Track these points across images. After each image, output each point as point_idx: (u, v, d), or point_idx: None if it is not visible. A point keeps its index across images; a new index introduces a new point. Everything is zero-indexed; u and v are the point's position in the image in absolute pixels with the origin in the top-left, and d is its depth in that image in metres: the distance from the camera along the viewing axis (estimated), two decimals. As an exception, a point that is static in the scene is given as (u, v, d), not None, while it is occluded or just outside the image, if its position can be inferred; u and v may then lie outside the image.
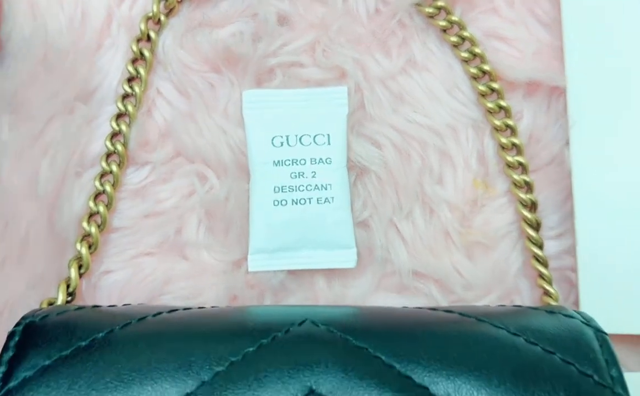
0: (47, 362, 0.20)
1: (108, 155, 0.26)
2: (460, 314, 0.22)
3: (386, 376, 0.19)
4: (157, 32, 0.28)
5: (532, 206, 0.27)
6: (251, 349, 0.20)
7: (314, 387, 0.19)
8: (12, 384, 0.19)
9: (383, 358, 0.19)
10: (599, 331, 0.21)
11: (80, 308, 0.22)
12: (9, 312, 0.26)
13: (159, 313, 0.22)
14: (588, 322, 0.21)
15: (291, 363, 0.19)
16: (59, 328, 0.21)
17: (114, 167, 0.26)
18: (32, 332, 0.21)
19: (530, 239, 0.27)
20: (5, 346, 0.20)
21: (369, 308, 0.23)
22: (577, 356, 0.20)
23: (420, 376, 0.19)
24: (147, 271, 0.26)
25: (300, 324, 0.21)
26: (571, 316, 0.22)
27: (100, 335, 0.20)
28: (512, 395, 0.19)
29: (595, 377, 0.19)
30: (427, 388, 0.19)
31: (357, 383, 0.19)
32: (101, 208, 0.26)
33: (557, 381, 0.19)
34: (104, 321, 0.21)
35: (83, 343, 0.20)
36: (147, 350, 0.20)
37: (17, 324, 0.21)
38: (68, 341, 0.20)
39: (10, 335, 0.20)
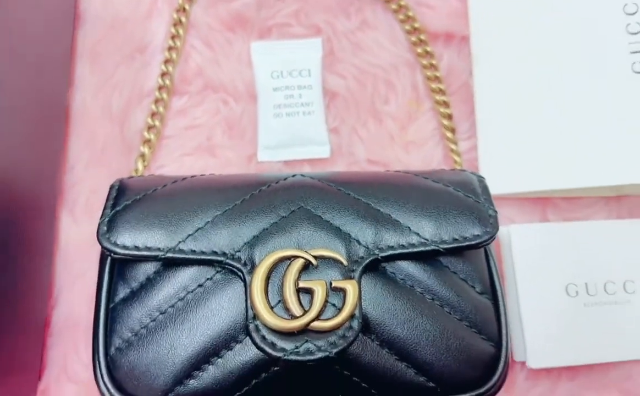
0: (128, 202, 0.31)
1: (160, 88, 0.38)
2: (406, 172, 0.34)
3: (356, 205, 0.31)
4: (190, 4, 0.40)
5: (449, 118, 0.39)
6: (256, 192, 0.31)
7: (302, 205, 0.31)
8: (116, 209, 0.31)
9: (353, 194, 0.31)
10: (480, 178, 0.33)
11: (141, 177, 0.34)
12: (98, 194, 0.37)
13: (192, 177, 0.33)
14: (474, 174, 0.34)
15: (283, 196, 0.31)
16: (134, 185, 0.32)
17: (164, 96, 0.38)
18: (122, 186, 0.32)
19: (448, 139, 0.39)
20: (110, 193, 0.32)
21: (346, 172, 0.34)
22: (464, 188, 0.32)
23: (379, 204, 0.31)
24: (188, 165, 0.38)
25: (293, 176, 0.33)
26: (464, 172, 0.34)
27: (156, 189, 0.32)
28: (426, 209, 0.31)
29: (474, 198, 0.32)
30: (377, 209, 0.31)
31: (335, 206, 0.30)
32: (157, 123, 0.38)
33: (450, 199, 0.31)
34: (157, 182, 0.33)
35: (146, 193, 0.32)
36: (186, 193, 0.31)
37: (114, 183, 0.32)
38: (139, 192, 0.32)
39: (112, 187, 0.32)
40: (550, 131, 0.37)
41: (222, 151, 0.38)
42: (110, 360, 0.29)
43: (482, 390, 0.30)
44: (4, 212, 0.28)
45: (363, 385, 0.29)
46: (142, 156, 0.37)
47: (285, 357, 0.27)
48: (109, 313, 0.30)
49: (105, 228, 0.30)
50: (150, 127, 0.37)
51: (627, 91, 0.36)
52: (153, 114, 0.38)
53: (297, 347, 0.27)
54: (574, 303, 0.35)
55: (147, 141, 0.37)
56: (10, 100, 0.28)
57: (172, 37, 0.39)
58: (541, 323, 0.35)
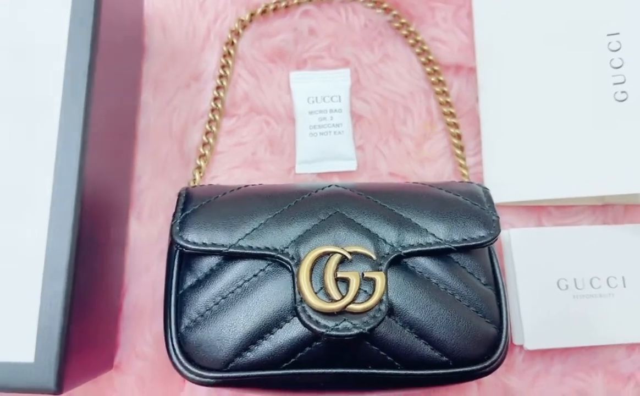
0: (196, 206, 0.38)
1: (212, 110, 0.45)
2: (423, 184, 0.40)
3: (382, 210, 0.37)
4: (238, 39, 0.47)
5: (458, 137, 0.46)
6: (300, 199, 0.38)
7: (338, 210, 0.37)
8: (186, 212, 0.37)
9: (379, 202, 0.37)
10: (484, 189, 0.40)
11: (203, 186, 0.41)
12: (160, 200, 0.44)
13: (246, 186, 0.40)
14: (480, 186, 0.40)
15: (322, 203, 0.37)
16: (198, 192, 0.39)
17: (216, 117, 0.45)
18: (188, 193, 0.39)
19: (457, 155, 0.45)
20: (179, 199, 0.38)
21: (373, 183, 0.41)
22: (472, 198, 0.38)
23: (401, 210, 0.37)
24: (236, 177, 0.44)
25: (329, 186, 0.39)
26: (472, 184, 0.40)
27: (217, 196, 0.38)
28: (440, 214, 0.37)
29: (480, 206, 0.38)
30: (400, 214, 0.37)
31: (365, 212, 0.37)
32: (210, 140, 0.44)
33: (459, 207, 0.37)
34: (217, 190, 0.39)
35: (210, 199, 0.38)
36: (243, 200, 0.38)
37: (182, 190, 0.39)
38: (203, 199, 0.38)
39: (180, 194, 0.38)
40: (545, 148, 0.43)
41: (265, 165, 0.44)
42: (181, 336, 0.36)
43: (486, 364, 0.36)
44: (94, 217, 0.34)
45: (388, 358, 0.35)
46: (199, 168, 0.44)
47: (328, 332, 0.33)
48: (179, 298, 0.37)
49: (177, 228, 0.36)
50: (204, 144, 0.44)
51: (610, 117, 0.42)
52: (207, 133, 0.44)
53: (337, 324, 0.34)
54: (565, 296, 0.41)
55: (202, 156, 0.44)
56: (98, 126, 0.34)
57: (222, 67, 0.45)
58: (536, 311, 0.41)
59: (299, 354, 0.35)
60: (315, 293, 0.34)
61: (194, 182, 0.43)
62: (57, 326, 0.31)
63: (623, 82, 0.41)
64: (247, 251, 0.36)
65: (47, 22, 0.34)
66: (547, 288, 0.41)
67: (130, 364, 0.41)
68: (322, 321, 0.34)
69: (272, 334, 0.35)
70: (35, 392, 0.30)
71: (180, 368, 0.35)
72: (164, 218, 0.43)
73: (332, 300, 0.34)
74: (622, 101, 0.41)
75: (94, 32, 0.33)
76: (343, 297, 0.34)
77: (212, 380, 0.35)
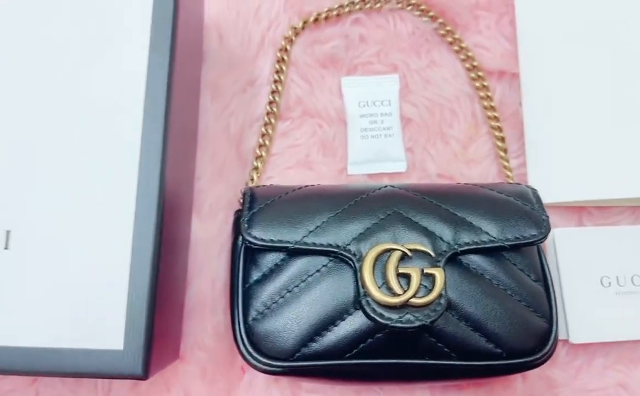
0: (261, 205, 0.40)
1: (267, 114, 0.47)
2: (474, 185, 0.42)
3: (438, 210, 0.39)
4: (291, 46, 0.49)
5: (502, 140, 0.48)
6: (359, 199, 0.40)
7: (396, 210, 0.39)
8: (253, 211, 0.39)
9: (435, 202, 0.39)
10: (533, 190, 0.41)
11: (265, 186, 0.43)
12: (219, 200, 0.46)
13: (306, 186, 0.42)
14: (529, 187, 0.42)
15: (380, 202, 0.40)
16: (262, 192, 0.41)
17: (272, 120, 0.47)
18: (253, 193, 0.41)
19: (501, 157, 0.47)
20: (244, 198, 0.40)
21: (426, 184, 0.43)
22: (522, 198, 0.40)
23: (456, 210, 0.39)
24: (290, 177, 0.46)
25: (385, 187, 0.41)
26: (520, 185, 0.42)
27: (280, 196, 0.41)
28: (493, 214, 0.39)
29: (530, 206, 0.40)
30: (455, 213, 0.39)
31: (422, 211, 0.38)
32: (266, 142, 0.46)
33: (511, 207, 0.39)
34: (279, 190, 0.41)
35: (274, 199, 0.40)
36: (306, 199, 0.40)
37: (245, 191, 0.41)
38: (267, 198, 0.41)
39: (245, 193, 0.41)
40: (587, 151, 0.45)
41: (318, 166, 0.47)
42: (248, 327, 0.38)
43: (537, 356, 0.38)
44: (170, 216, 0.36)
45: (445, 349, 0.37)
46: (256, 169, 0.46)
47: (392, 324, 0.35)
48: (245, 292, 0.39)
49: (246, 225, 0.38)
50: (260, 146, 0.46)
51: (650, 120, 0.44)
52: (263, 135, 0.47)
53: (400, 317, 0.36)
54: (607, 292, 0.43)
55: (258, 157, 0.46)
56: (173, 129, 0.37)
57: (277, 73, 0.48)
58: (580, 307, 0.43)
59: (361, 345, 0.37)
60: (379, 287, 0.36)
61: (252, 182, 0.45)
62: (143, 317, 0.33)
63: (664, 88, 0.43)
64: (311, 248, 0.38)
65: (129, 31, 0.36)
66: (590, 285, 0.43)
67: (192, 354, 0.43)
68: (386, 314, 0.36)
69: (336, 326, 0.37)
70: (124, 377, 0.32)
71: (249, 357, 0.38)
72: (223, 216, 0.45)
73: (395, 294, 0.36)
74: (664, 106, 0.43)
75: (172, 40, 0.36)
76: (405, 291, 0.36)
77: (279, 369, 0.37)
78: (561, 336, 0.43)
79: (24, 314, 0.32)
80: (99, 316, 0.33)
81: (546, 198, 0.45)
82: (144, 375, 0.33)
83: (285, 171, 0.46)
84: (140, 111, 0.35)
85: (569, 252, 0.44)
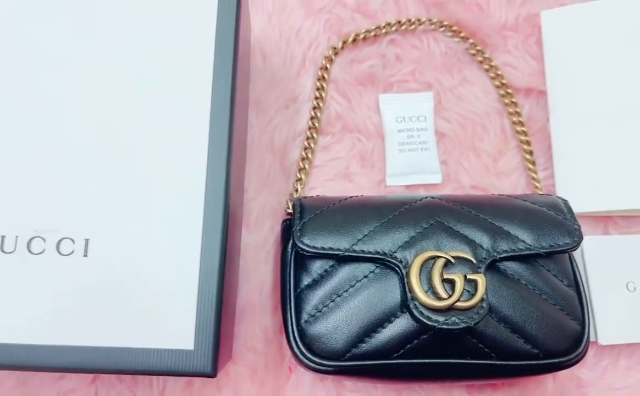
0: (311, 215, 0.43)
1: (309, 128, 0.50)
2: (509, 196, 0.45)
3: (477, 220, 0.42)
4: (330, 65, 0.52)
5: (530, 153, 0.50)
6: (402, 209, 0.43)
7: (438, 219, 0.42)
8: (304, 220, 0.42)
9: (473, 212, 0.42)
10: (564, 201, 0.44)
11: (313, 197, 0.45)
12: (265, 209, 0.49)
13: (351, 197, 0.45)
14: (560, 198, 0.45)
15: (423, 212, 0.42)
16: (311, 203, 0.44)
17: (314, 135, 0.50)
18: (302, 204, 0.43)
19: (530, 170, 0.50)
20: (294, 209, 0.43)
21: (464, 195, 0.46)
22: (555, 208, 0.43)
23: (493, 220, 0.42)
24: (331, 188, 0.49)
25: (424, 198, 0.44)
26: (552, 196, 0.45)
27: (328, 206, 0.43)
28: (529, 223, 0.42)
29: (562, 216, 0.43)
30: (493, 223, 0.42)
31: (462, 220, 0.41)
32: (309, 155, 0.49)
33: (544, 217, 0.42)
34: (326, 201, 0.44)
35: (322, 209, 0.43)
36: (352, 209, 0.43)
37: (294, 202, 0.44)
38: (316, 208, 0.43)
39: (295, 204, 0.43)
40: (612, 163, 0.48)
41: (357, 178, 0.49)
42: (301, 329, 0.41)
43: (571, 356, 0.40)
44: (230, 224, 0.39)
45: (486, 350, 0.40)
46: (299, 180, 0.48)
47: (439, 326, 0.38)
48: (297, 296, 0.42)
49: (298, 234, 0.41)
50: (303, 159, 0.49)
51: (671, 135, 0.47)
52: (305, 149, 0.49)
53: (446, 319, 0.38)
54: (633, 297, 0.46)
55: (301, 169, 0.49)
56: (234, 143, 0.39)
57: (317, 90, 0.50)
58: (607, 310, 0.45)
59: (408, 346, 0.39)
60: (425, 292, 0.39)
61: (296, 193, 0.48)
62: (211, 320, 0.35)
63: (685, 106, 0.46)
64: (360, 255, 0.41)
65: (194, 51, 0.39)
66: (616, 289, 0.46)
67: (242, 356, 0.46)
68: (433, 317, 0.38)
69: (384, 328, 0.40)
70: (195, 375, 0.35)
71: (302, 357, 0.40)
72: (269, 225, 0.48)
73: (441, 298, 0.39)
74: (684, 122, 0.46)
75: (234, 60, 0.39)
76: (450, 296, 0.39)
77: (330, 368, 0.40)
78: (590, 338, 0.46)
79: (105, 317, 0.35)
80: (172, 320, 0.35)
81: (574, 208, 0.48)
82: (213, 373, 0.35)
83: (326, 183, 0.49)
84: (206, 128, 0.38)
85: (596, 259, 0.46)
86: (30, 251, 0.35)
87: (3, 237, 0.35)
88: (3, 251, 0.35)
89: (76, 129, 0.37)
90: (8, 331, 0.35)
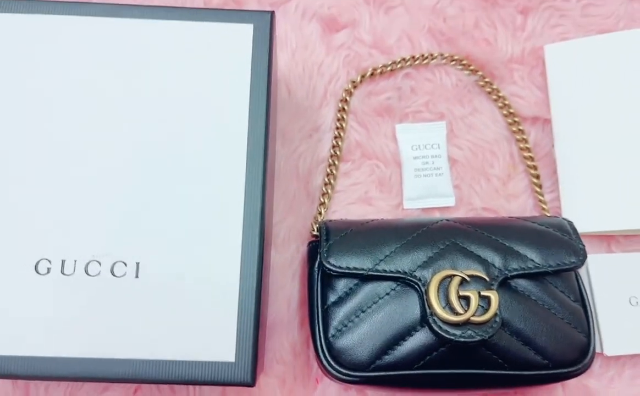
0: (336, 238, 0.46)
1: (331, 156, 0.54)
2: (518, 218, 0.49)
3: (489, 240, 0.45)
4: (350, 97, 0.56)
5: (537, 177, 0.54)
6: (420, 231, 0.47)
7: (453, 240, 0.45)
8: (329, 242, 0.46)
9: (486, 233, 0.46)
10: (569, 222, 0.48)
11: (337, 220, 0.49)
12: (291, 231, 0.52)
13: (372, 220, 0.49)
14: (565, 220, 0.48)
15: (440, 234, 0.46)
16: (335, 226, 0.47)
17: (335, 162, 0.54)
18: (327, 227, 0.47)
19: (537, 192, 0.54)
20: (321, 232, 0.47)
21: (476, 217, 0.49)
22: (560, 230, 0.47)
23: (504, 240, 0.45)
24: (352, 211, 0.53)
25: (440, 221, 0.48)
26: (558, 218, 0.49)
27: (352, 229, 0.47)
28: (537, 243, 0.45)
29: (568, 236, 0.46)
30: (503, 243, 0.45)
31: (475, 241, 0.45)
32: (331, 181, 0.53)
33: (551, 237, 0.46)
34: (350, 224, 0.48)
35: (347, 232, 0.47)
36: (374, 232, 0.47)
37: (320, 225, 0.47)
38: (341, 231, 0.47)
39: (321, 228, 0.47)
40: (614, 186, 0.52)
41: (376, 202, 0.53)
42: (329, 343, 0.44)
43: (579, 366, 0.44)
44: (264, 245, 0.43)
45: (499, 361, 0.43)
46: (323, 204, 0.52)
47: (456, 339, 0.41)
48: (324, 312, 0.45)
49: (325, 255, 0.45)
50: (326, 184, 0.53)
51: (668, 160, 0.50)
52: (328, 175, 0.53)
53: (463, 333, 0.42)
54: (635, 310, 0.49)
55: (324, 194, 0.53)
56: (267, 171, 0.43)
57: (338, 120, 0.55)
58: (611, 323, 0.49)
59: (428, 357, 0.43)
60: (443, 308, 0.42)
61: (320, 216, 0.52)
62: (250, 335, 0.39)
63: (680, 133, 0.50)
64: (382, 274, 0.44)
65: (231, 91, 0.43)
66: (620, 304, 0.49)
67: (272, 367, 0.49)
68: (451, 330, 0.42)
69: (405, 341, 0.43)
70: (236, 384, 0.39)
71: (330, 369, 0.44)
72: (295, 246, 0.52)
73: (457, 314, 0.42)
74: (680, 148, 0.50)
75: (268, 92, 0.43)
76: (466, 311, 0.42)
77: (357, 379, 0.43)
78: (596, 350, 0.49)
79: (155, 333, 0.39)
80: (215, 334, 0.39)
81: (579, 228, 0.52)
82: (252, 383, 0.39)
83: (347, 206, 0.53)
84: (243, 159, 0.42)
85: (600, 275, 0.50)
86: (87, 274, 0.39)
87: (63, 261, 0.39)
88: (63, 274, 0.39)
89: (128, 164, 0.41)
90: (66, 346, 0.39)
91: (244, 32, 0.44)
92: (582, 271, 0.51)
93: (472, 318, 0.42)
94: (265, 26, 0.44)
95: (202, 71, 0.43)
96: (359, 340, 0.44)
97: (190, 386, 0.49)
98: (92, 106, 0.42)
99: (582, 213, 0.52)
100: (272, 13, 0.45)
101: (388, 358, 0.43)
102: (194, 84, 0.43)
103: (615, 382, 0.50)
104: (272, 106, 0.49)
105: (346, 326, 0.44)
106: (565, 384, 0.50)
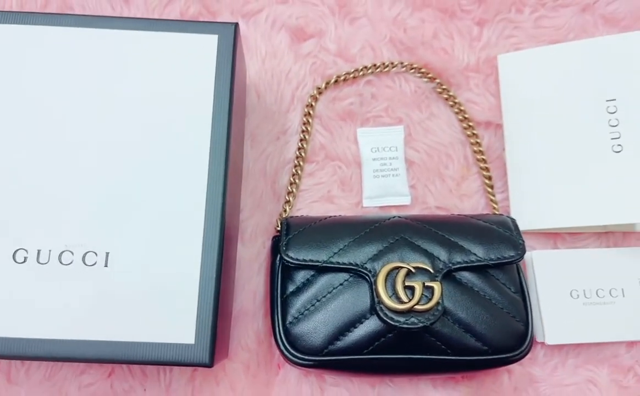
0: (295, 232, 0.50)
1: (297, 158, 0.57)
2: (465, 216, 0.52)
3: (435, 236, 0.49)
4: (315, 103, 0.59)
5: (489, 178, 0.58)
6: (373, 227, 0.50)
7: (402, 235, 0.49)
8: (289, 237, 0.49)
9: (433, 229, 0.49)
10: (512, 220, 0.51)
11: (298, 216, 0.53)
12: (258, 227, 0.56)
13: (330, 217, 0.52)
14: (509, 217, 0.52)
15: (390, 230, 0.50)
16: (295, 222, 0.51)
17: (301, 163, 0.57)
18: (288, 223, 0.51)
19: (489, 192, 0.57)
20: (281, 227, 0.50)
21: (427, 214, 0.53)
22: (503, 226, 0.50)
23: (450, 236, 0.49)
24: (315, 209, 0.57)
25: (393, 217, 0.51)
26: (503, 216, 0.52)
27: (310, 224, 0.51)
28: (480, 239, 0.49)
29: (509, 233, 0.50)
30: (449, 238, 0.49)
31: (423, 236, 0.48)
32: (296, 181, 0.57)
33: (494, 233, 0.49)
34: (309, 220, 0.51)
35: (305, 227, 0.51)
36: (330, 227, 0.50)
37: (282, 221, 0.51)
38: (300, 226, 0.51)
39: (282, 223, 0.51)
40: (559, 187, 0.55)
41: (338, 200, 0.57)
42: (286, 329, 0.48)
43: (516, 352, 0.47)
44: (226, 240, 0.47)
45: (442, 346, 0.46)
46: (288, 202, 0.56)
47: (400, 325, 0.45)
48: (283, 301, 0.49)
49: (284, 248, 0.49)
50: (291, 184, 0.57)
51: (609, 164, 0.54)
52: (293, 175, 0.57)
53: (407, 320, 0.45)
54: (576, 303, 0.52)
55: (290, 193, 0.56)
56: (230, 170, 0.47)
57: (304, 124, 0.58)
58: (554, 315, 0.52)
59: (376, 343, 0.46)
60: (390, 297, 0.46)
61: (285, 214, 0.56)
62: (209, 319, 0.43)
63: (619, 138, 0.53)
64: (336, 266, 0.48)
65: (196, 95, 0.47)
66: (562, 297, 0.53)
67: (237, 354, 0.53)
68: (396, 318, 0.46)
69: (355, 328, 0.47)
70: (195, 365, 0.42)
71: (287, 353, 0.47)
72: (261, 241, 0.55)
73: (402, 302, 0.46)
74: (618, 152, 0.53)
75: (230, 98, 0.46)
76: (410, 300, 0.46)
77: (311, 362, 0.47)
78: (539, 339, 0.53)
79: (121, 318, 0.42)
80: (176, 319, 0.43)
81: (526, 226, 0.56)
82: (210, 364, 0.42)
83: (311, 204, 0.57)
84: (206, 159, 0.45)
85: (544, 270, 0.53)
86: (61, 263, 0.43)
87: (39, 251, 0.43)
88: (39, 262, 0.43)
89: (100, 163, 0.45)
90: (41, 328, 0.42)
91: (210, 42, 0.48)
92: (528, 267, 0.54)
93: (416, 307, 0.46)
94: (229, 37, 0.48)
95: (171, 77, 0.47)
96: (313, 327, 0.47)
97: (161, 371, 0.53)
98: (65, 107, 0.46)
99: (530, 212, 0.56)
100: (236, 25, 0.48)
101: (340, 344, 0.47)
102: (163, 90, 0.47)
103: (559, 370, 0.54)
104: (238, 111, 0.52)
105: (302, 314, 0.48)
106: (510, 372, 0.53)
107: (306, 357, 0.47)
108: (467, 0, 0.61)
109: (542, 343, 0.53)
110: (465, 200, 0.57)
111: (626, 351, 0.54)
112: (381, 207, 0.57)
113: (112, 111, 0.46)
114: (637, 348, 0.54)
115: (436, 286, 0.46)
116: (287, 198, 0.56)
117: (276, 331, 0.48)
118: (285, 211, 0.56)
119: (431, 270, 0.47)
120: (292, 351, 0.47)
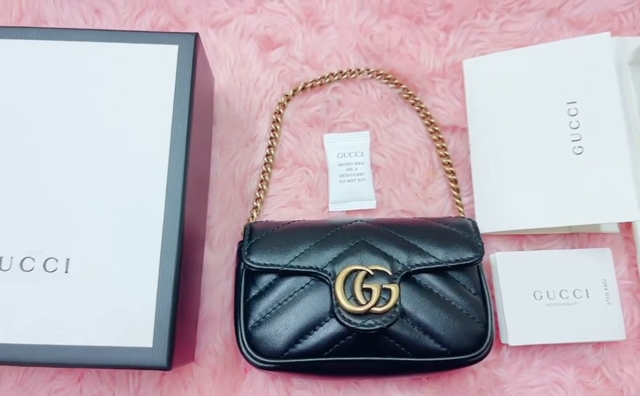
0: (258, 237, 0.51)
1: (265, 164, 0.58)
2: (427, 219, 0.53)
3: (395, 239, 0.50)
4: (283, 110, 0.60)
5: (455, 182, 0.58)
6: (334, 230, 0.51)
7: (362, 239, 0.50)
8: (251, 241, 0.50)
9: (394, 233, 0.50)
10: (473, 222, 0.52)
11: (262, 221, 0.54)
12: (226, 233, 0.57)
13: (294, 221, 0.53)
14: (470, 220, 0.52)
15: (351, 233, 0.50)
16: (258, 227, 0.52)
17: (269, 169, 0.58)
18: (251, 228, 0.52)
19: (454, 196, 0.58)
20: (245, 232, 0.51)
21: (389, 218, 0.54)
22: (463, 229, 0.51)
23: (410, 239, 0.50)
24: (283, 214, 0.57)
25: (355, 221, 0.52)
26: (464, 219, 0.53)
27: (273, 229, 0.52)
28: (439, 241, 0.49)
29: (469, 235, 0.50)
30: (409, 241, 0.49)
31: (383, 239, 0.49)
32: (264, 187, 0.58)
33: (454, 235, 0.50)
34: (273, 225, 0.52)
35: (268, 232, 0.51)
36: (292, 231, 0.51)
37: (246, 226, 0.52)
38: (263, 231, 0.52)
39: (245, 228, 0.52)
40: (523, 190, 0.56)
41: (305, 205, 0.58)
42: (248, 333, 0.49)
43: (476, 354, 0.48)
44: (187, 245, 0.47)
45: (402, 348, 0.47)
46: (255, 208, 0.57)
47: (357, 327, 0.46)
48: (246, 305, 0.50)
49: (246, 253, 0.49)
50: (259, 189, 0.57)
51: (571, 165, 0.54)
52: (261, 181, 0.58)
53: (363, 322, 0.46)
54: (539, 304, 0.53)
55: (258, 198, 0.57)
56: (190, 176, 0.48)
57: (272, 131, 0.59)
58: (517, 316, 0.53)
59: (336, 345, 0.47)
60: (348, 299, 0.47)
61: (252, 219, 0.56)
62: (167, 323, 0.44)
63: (579, 140, 0.54)
64: (297, 269, 0.49)
65: (156, 103, 0.48)
66: (525, 297, 0.53)
67: (204, 358, 0.54)
68: (353, 320, 0.46)
69: (316, 330, 0.47)
70: (153, 368, 0.43)
71: (249, 357, 0.48)
72: (229, 247, 0.56)
73: (360, 305, 0.46)
74: (579, 154, 0.54)
75: (190, 106, 0.47)
76: (367, 302, 0.46)
77: (272, 365, 0.48)
78: (503, 340, 0.53)
79: (81, 322, 0.43)
80: (134, 322, 0.44)
81: (490, 228, 0.56)
82: (168, 367, 0.43)
83: (279, 209, 0.58)
84: (165, 162, 0.46)
85: (508, 272, 0.54)
86: (22, 269, 0.44)
87: (1, 258, 0.44)
88: (1, 269, 0.44)
89: (60, 171, 0.46)
90: (6, 333, 0.43)
91: (171, 53, 0.49)
92: (492, 268, 0.55)
93: (373, 309, 0.46)
94: (190, 47, 0.49)
95: (132, 87, 0.48)
96: (274, 330, 0.48)
97: (130, 375, 0.54)
98: (27, 116, 0.47)
99: (494, 214, 0.56)
100: (197, 35, 0.50)
101: (300, 346, 0.47)
102: (124, 99, 0.48)
103: (524, 371, 0.54)
104: (202, 119, 0.53)
105: (264, 317, 0.49)
106: (476, 373, 0.54)
107: (267, 360, 0.48)
108: (433, 6, 0.62)
109: (507, 345, 0.53)
110: (431, 203, 0.58)
111: (593, 352, 0.54)
112: (347, 211, 0.57)
113: (74, 119, 0.47)
114: (603, 349, 0.54)
115: (394, 288, 0.47)
116: (254, 203, 0.57)
117: (238, 334, 0.49)
118: (252, 216, 0.57)
119: (390, 273, 0.48)
120: (254, 354, 0.48)
